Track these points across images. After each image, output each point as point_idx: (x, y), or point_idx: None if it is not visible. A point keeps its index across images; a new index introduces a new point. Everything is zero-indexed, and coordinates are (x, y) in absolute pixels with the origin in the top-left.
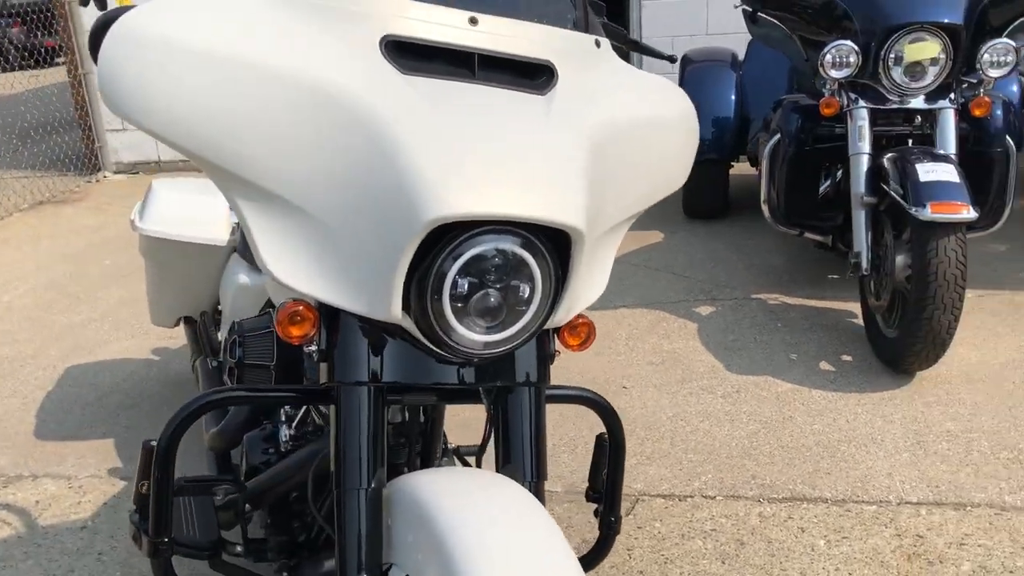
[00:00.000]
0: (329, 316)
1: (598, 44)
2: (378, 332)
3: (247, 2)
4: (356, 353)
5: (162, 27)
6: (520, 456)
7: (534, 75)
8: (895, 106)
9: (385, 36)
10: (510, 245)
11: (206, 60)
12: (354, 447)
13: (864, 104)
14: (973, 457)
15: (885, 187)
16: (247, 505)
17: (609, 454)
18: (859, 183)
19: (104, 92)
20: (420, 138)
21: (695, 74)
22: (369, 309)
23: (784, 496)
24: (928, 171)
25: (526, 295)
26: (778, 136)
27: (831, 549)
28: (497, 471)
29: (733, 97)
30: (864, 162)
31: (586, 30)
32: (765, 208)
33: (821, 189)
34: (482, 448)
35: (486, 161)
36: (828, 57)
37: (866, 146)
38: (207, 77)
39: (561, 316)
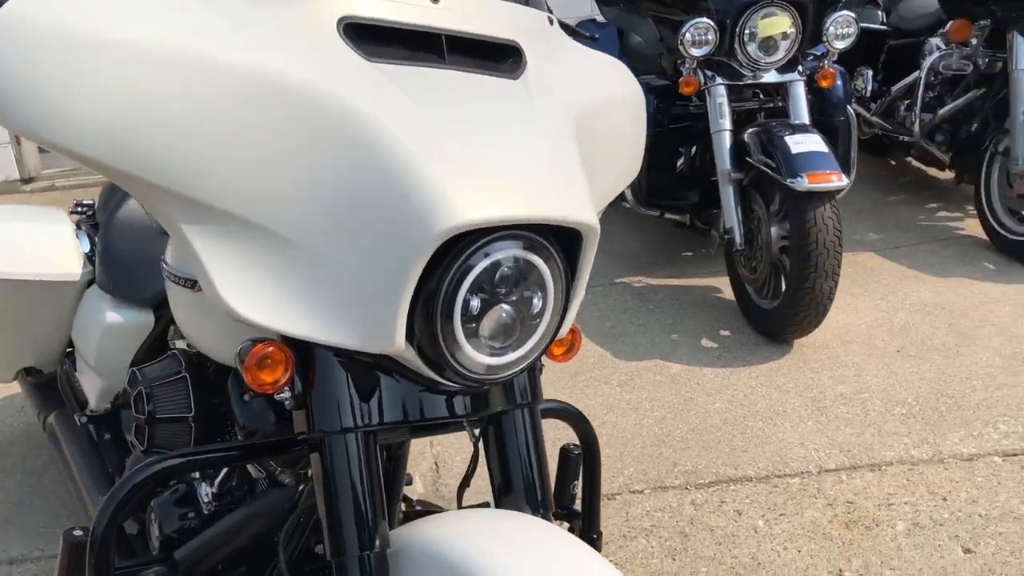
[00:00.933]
0: (300, 355)
1: (551, 21)
2: (362, 367)
3: None
4: (339, 395)
5: (68, 15)
6: (522, 485)
7: (501, 57)
8: (750, 81)
9: (343, 18)
10: (522, 252)
11: (131, 55)
12: (349, 505)
13: (721, 81)
14: (872, 417)
15: (750, 161)
16: None
17: (584, 467)
18: (724, 160)
19: None
20: (414, 138)
21: None
22: (364, 342)
23: (710, 480)
24: (797, 143)
25: (538, 307)
26: None
27: (772, 528)
28: (498, 505)
29: None
30: (727, 138)
31: (527, 3)
32: (628, 192)
33: (677, 168)
34: (465, 482)
35: (489, 160)
36: (688, 35)
37: (727, 122)
38: (134, 77)
39: (566, 326)
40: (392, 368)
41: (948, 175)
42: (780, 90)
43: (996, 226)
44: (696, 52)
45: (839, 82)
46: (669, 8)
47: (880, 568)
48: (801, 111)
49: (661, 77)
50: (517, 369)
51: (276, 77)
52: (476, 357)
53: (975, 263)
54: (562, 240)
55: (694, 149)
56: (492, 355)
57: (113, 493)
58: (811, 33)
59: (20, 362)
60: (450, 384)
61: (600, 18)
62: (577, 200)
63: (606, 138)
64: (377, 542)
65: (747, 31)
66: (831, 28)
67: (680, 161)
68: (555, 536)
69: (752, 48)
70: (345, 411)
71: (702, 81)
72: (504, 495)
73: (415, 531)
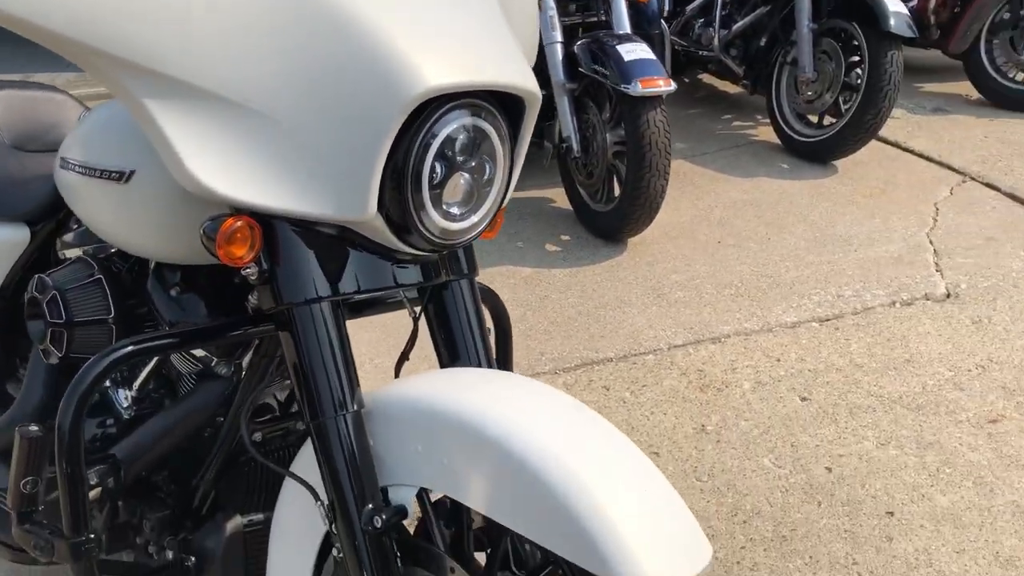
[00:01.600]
0: (264, 229)
1: None
2: (324, 240)
3: None
4: (304, 268)
5: None
6: (467, 352)
7: None
8: None
9: None
10: (475, 120)
11: None
12: (321, 371)
13: None
14: (706, 298)
15: (582, 71)
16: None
17: (497, 342)
18: (558, 71)
19: None
20: (380, 10)
21: None
22: (339, 211)
23: (576, 364)
24: (628, 51)
25: (490, 173)
26: None
27: (638, 398)
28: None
29: None
30: (559, 50)
31: None
32: None
33: None
34: (405, 356)
35: (444, 31)
36: None
37: (559, 35)
38: None
39: (509, 192)
40: (354, 240)
41: (739, 89)
42: (602, 4)
43: (787, 130)
44: None
45: None
46: None
47: (736, 420)
48: (624, 23)
49: None
50: (474, 233)
51: None
52: (440, 222)
53: (772, 164)
54: (505, 109)
55: None
56: (453, 221)
57: (77, 381)
58: None
59: None
60: (412, 251)
61: None
62: (521, 69)
63: (512, 15)
64: (353, 404)
65: None
66: None
67: None
68: (526, 382)
69: None
70: (310, 283)
71: None
72: (451, 361)
73: (386, 392)
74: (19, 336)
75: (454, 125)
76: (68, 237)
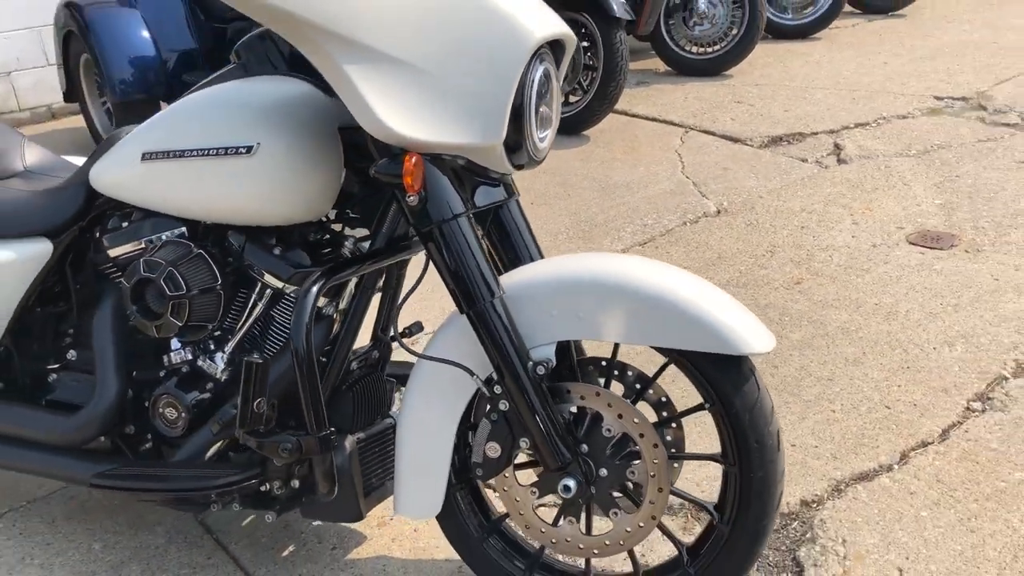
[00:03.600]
0: None
1: None
2: (450, 168)
3: None
4: (445, 191)
5: None
6: (519, 255)
7: None
8: None
9: None
10: (546, 64)
11: None
12: (471, 270)
13: None
14: (546, 245)
15: None
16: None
17: None
18: None
19: None
20: None
21: (98, 20)
22: (483, 138)
23: None
24: None
25: (554, 103)
26: None
27: None
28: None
29: (146, 34)
30: None
31: None
32: None
33: None
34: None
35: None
36: None
37: None
38: None
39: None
40: (469, 167)
41: None
42: None
43: None
44: None
45: None
46: None
47: None
48: None
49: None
50: (548, 151)
51: None
52: (538, 143)
53: None
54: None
55: None
56: (542, 142)
57: (299, 312)
58: None
59: None
60: (508, 170)
61: None
62: (561, 21)
63: None
64: (499, 290)
65: None
66: None
67: None
68: (606, 253)
69: None
70: (449, 203)
71: None
72: (509, 270)
73: (514, 279)
74: (42, 347)
75: (543, 68)
76: (108, 239)
